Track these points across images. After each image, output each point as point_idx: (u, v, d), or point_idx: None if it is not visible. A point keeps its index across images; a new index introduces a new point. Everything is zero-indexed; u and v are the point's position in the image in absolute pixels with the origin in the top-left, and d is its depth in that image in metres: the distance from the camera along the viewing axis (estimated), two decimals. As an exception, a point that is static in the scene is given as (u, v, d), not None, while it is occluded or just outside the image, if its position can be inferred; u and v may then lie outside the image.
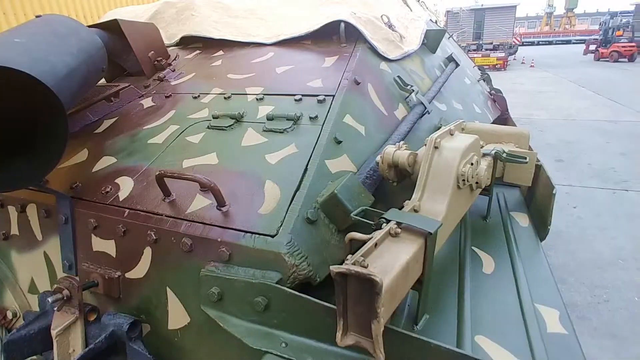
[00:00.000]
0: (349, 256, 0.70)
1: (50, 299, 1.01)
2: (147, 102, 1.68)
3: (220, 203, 1.00)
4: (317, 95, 1.38)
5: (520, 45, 28.06)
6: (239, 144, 1.26)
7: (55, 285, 1.04)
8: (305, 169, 1.08)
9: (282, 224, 0.93)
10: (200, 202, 1.05)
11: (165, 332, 1.06)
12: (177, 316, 1.03)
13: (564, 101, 11.45)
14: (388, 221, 0.84)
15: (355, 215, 0.92)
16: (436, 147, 0.96)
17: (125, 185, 1.18)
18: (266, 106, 1.42)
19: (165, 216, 1.03)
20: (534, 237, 1.32)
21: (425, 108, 1.66)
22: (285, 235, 0.90)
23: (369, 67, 1.66)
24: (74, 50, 1.42)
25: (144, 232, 1.03)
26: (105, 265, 1.12)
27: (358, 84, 1.48)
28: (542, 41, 38.14)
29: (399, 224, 0.82)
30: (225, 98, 1.54)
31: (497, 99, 2.85)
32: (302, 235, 0.92)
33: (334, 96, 1.37)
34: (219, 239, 0.93)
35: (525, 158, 1.28)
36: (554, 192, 1.30)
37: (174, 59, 2.06)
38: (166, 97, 1.66)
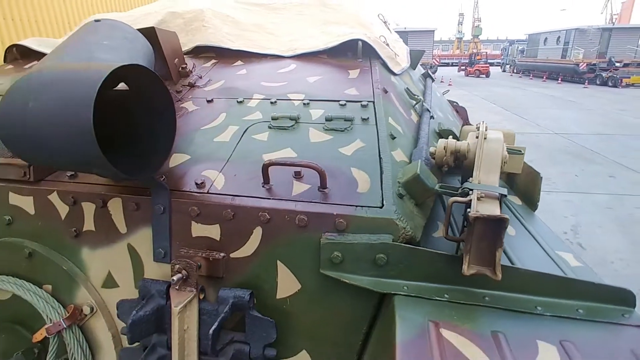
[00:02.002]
0: (470, 209, 0.97)
1: (174, 278, 1.10)
2: (189, 106, 1.77)
3: (324, 185, 1.20)
4: (361, 101, 1.64)
5: (439, 66, 31.54)
6: (308, 140, 1.46)
7: (177, 266, 1.13)
8: (380, 158, 1.33)
9: (383, 199, 1.17)
10: (300, 187, 1.24)
11: (273, 301, 1.21)
12: (287, 285, 1.19)
13: (480, 116, 13.15)
14: (467, 192, 1.13)
15: (437, 190, 1.20)
16: (485, 138, 1.30)
17: (216, 177, 1.30)
18: (316, 110, 1.64)
19: (279, 199, 1.19)
20: (530, 211, 1.73)
21: (431, 114, 2.02)
22: (390, 206, 1.14)
23: (386, 79, 1.97)
24: (141, 55, 1.51)
25: (255, 214, 1.18)
26: (207, 248, 1.23)
27: (386, 92, 1.78)
28: (454, 62, 43.26)
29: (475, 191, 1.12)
30: (271, 103, 1.71)
31: (459, 109, 3.38)
32: (399, 207, 1.16)
33: (373, 102, 1.65)
34: (335, 213, 1.13)
35: (521, 151, 1.69)
36: (540, 176, 1.73)
37: (192, 67, 2.15)
38: (208, 101, 1.78)
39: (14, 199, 1.39)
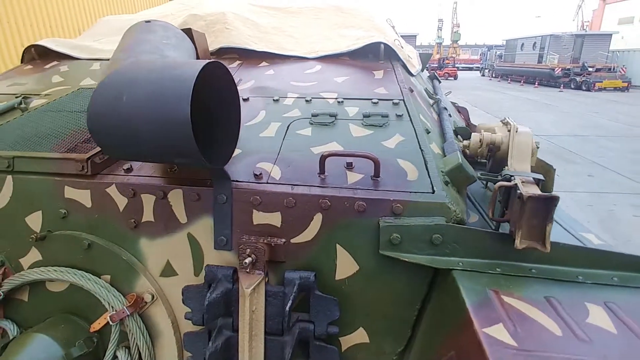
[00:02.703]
0: (520, 190, 1.09)
1: (246, 261, 1.18)
2: (227, 104, 1.85)
3: (377, 174, 1.30)
4: (392, 100, 1.76)
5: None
6: (351, 135, 1.56)
7: (248, 250, 1.21)
8: (421, 150, 1.45)
9: (432, 185, 1.28)
10: (354, 177, 1.34)
11: (332, 283, 1.30)
12: (345, 267, 1.29)
13: (466, 117, 13.61)
14: (509, 178, 1.26)
15: (479, 177, 1.32)
16: (516, 131, 1.44)
17: (272, 169, 1.39)
18: (351, 107, 1.75)
19: (338, 187, 1.29)
20: None
21: (448, 112, 2.16)
22: (440, 191, 1.26)
23: (408, 79, 2.10)
24: (192, 52, 1.59)
25: (316, 202, 1.27)
26: (268, 235, 1.31)
27: (412, 91, 1.91)
28: (434, 66, 44.49)
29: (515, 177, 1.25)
30: (306, 101, 1.81)
31: (460, 109, 3.56)
32: (448, 192, 1.28)
33: (403, 100, 1.77)
34: (391, 199, 1.24)
35: (538, 145, 1.85)
36: (554, 169, 1.89)
37: (219, 67, 2.22)
38: (244, 100, 1.86)
39: (70, 192, 1.43)
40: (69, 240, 1.42)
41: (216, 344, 1.23)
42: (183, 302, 1.33)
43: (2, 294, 1.42)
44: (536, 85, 25.31)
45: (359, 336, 1.33)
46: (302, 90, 1.90)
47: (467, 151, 1.56)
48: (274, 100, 1.83)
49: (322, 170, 1.34)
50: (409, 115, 1.65)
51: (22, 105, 1.81)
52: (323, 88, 1.93)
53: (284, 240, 1.30)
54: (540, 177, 1.24)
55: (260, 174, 1.36)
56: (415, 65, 2.51)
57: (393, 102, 1.74)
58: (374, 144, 1.50)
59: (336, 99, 1.81)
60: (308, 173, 1.36)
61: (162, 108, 0.96)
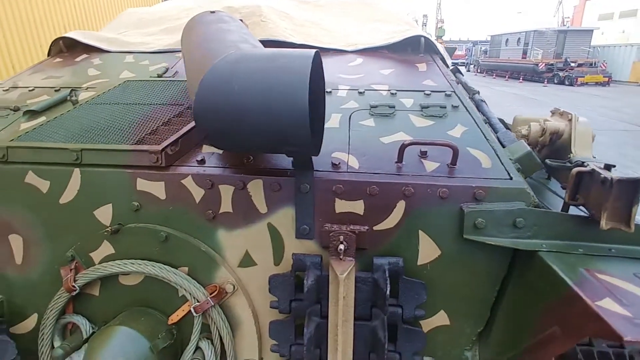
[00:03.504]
0: (604, 174, 1.16)
1: (341, 247, 1.21)
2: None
3: (454, 162, 1.35)
4: (443, 91, 1.81)
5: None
6: (413, 125, 1.60)
7: (341, 237, 1.24)
8: (487, 139, 1.50)
9: (508, 172, 1.33)
10: (431, 165, 1.38)
11: (414, 268, 1.34)
12: (427, 252, 1.33)
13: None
14: (581, 164, 1.32)
15: (549, 163, 1.38)
16: (576, 120, 1.50)
17: (347, 158, 1.42)
18: (406, 99, 1.79)
19: (420, 175, 1.33)
20: None
21: (486, 103, 2.22)
22: (517, 177, 1.31)
23: (448, 72, 2.15)
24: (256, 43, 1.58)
25: (399, 189, 1.31)
26: (350, 223, 1.34)
27: (458, 83, 1.96)
28: (422, 62, 44.86)
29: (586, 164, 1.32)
30: (359, 93, 1.84)
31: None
32: (522, 178, 1.34)
33: (454, 92, 1.82)
34: (473, 185, 1.28)
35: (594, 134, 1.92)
36: None
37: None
38: None
39: (143, 184, 1.42)
40: (145, 232, 1.42)
41: (310, 329, 1.25)
42: (269, 291, 1.35)
43: (77, 288, 1.41)
44: (521, 81, 25.88)
45: (440, 319, 1.38)
46: (351, 83, 1.93)
47: (526, 140, 1.62)
48: (327, 92, 1.85)
49: (400, 158, 1.37)
50: (465, 106, 1.70)
51: (74, 98, 1.78)
52: (372, 80, 1.96)
53: (366, 227, 1.33)
54: (613, 164, 1.31)
55: (339, 163, 1.39)
56: (448, 58, 2.57)
57: (445, 94, 1.79)
58: (440, 134, 1.54)
59: (389, 90, 1.84)
60: (385, 162, 1.39)
61: (278, 97, 0.97)
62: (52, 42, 2.51)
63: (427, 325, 1.38)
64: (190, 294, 1.37)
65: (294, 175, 1.34)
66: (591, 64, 23.37)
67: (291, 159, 1.43)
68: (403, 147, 1.34)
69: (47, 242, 1.51)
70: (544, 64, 24.27)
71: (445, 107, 1.68)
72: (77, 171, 1.44)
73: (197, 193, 1.40)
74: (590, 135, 1.47)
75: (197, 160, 1.44)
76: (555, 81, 23.66)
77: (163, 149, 1.39)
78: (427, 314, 1.36)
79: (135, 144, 1.45)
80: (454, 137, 1.52)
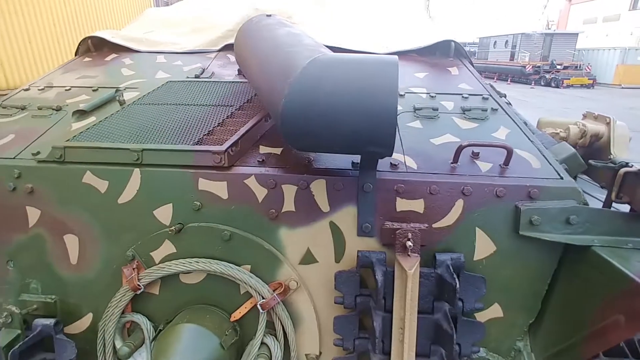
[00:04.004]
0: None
1: (409, 244, 1.27)
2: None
3: (507, 162, 1.42)
4: (480, 95, 1.89)
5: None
6: (459, 127, 1.67)
7: (409, 234, 1.29)
8: (531, 141, 1.58)
9: (558, 172, 1.41)
10: (485, 165, 1.45)
11: (470, 263, 1.41)
12: (483, 248, 1.40)
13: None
14: (624, 164, 1.41)
15: (593, 164, 1.47)
16: (614, 123, 1.60)
17: (404, 159, 1.47)
18: (446, 102, 1.85)
19: (478, 175, 1.39)
20: None
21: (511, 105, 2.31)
22: (567, 177, 1.39)
23: (479, 75, 2.23)
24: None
25: (459, 189, 1.37)
26: (410, 221, 1.40)
27: (491, 86, 2.04)
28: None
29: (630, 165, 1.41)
30: (400, 95, 1.90)
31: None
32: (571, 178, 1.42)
33: (490, 95, 1.90)
34: (527, 184, 1.36)
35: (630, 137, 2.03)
36: None
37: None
38: None
39: (205, 184, 1.45)
40: (208, 231, 1.45)
41: (378, 323, 1.31)
42: (335, 287, 1.39)
43: (142, 286, 1.43)
44: (509, 82, 26.41)
45: (494, 311, 1.45)
46: None
47: (565, 141, 1.71)
48: None
49: (456, 159, 1.44)
50: (504, 109, 1.78)
51: (121, 98, 1.79)
52: (409, 83, 2.02)
53: (426, 225, 1.39)
54: None
55: (398, 164, 1.45)
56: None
57: (482, 97, 1.86)
58: (485, 136, 1.61)
59: (428, 93, 1.91)
60: (440, 162, 1.46)
61: (368, 100, 1.02)
62: (80, 42, 2.50)
63: (481, 317, 1.45)
64: (255, 291, 1.41)
65: (357, 175, 1.39)
66: (576, 67, 24.03)
67: (350, 160, 1.48)
68: (460, 149, 1.41)
69: (103, 241, 1.52)
70: (531, 66, 24.83)
71: (486, 110, 1.75)
72: (137, 171, 1.46)
73: (260, 192, 1.43)
74: (627, 138, 1.57)
75: (258, 161, 1.48)
76: (542, 83, 24.24)
77: (226, 150, 1.42)
78: (483, 307, 1.43)
79: (195, 144, 1.48)
80: (500, 139, 1.59)
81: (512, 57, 27.49)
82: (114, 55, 2.45)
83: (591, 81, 22.91)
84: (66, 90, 2.05)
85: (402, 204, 1.40)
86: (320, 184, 1.41)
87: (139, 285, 1.42)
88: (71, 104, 1.91)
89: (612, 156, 1.52)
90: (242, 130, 1.52)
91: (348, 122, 1.05)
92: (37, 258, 1.57)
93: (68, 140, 1.53)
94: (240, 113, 1.68)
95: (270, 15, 1.64)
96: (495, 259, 1.40)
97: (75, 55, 2.53)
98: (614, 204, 1.41)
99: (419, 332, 1.35)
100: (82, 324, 1.60)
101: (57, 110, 1.85)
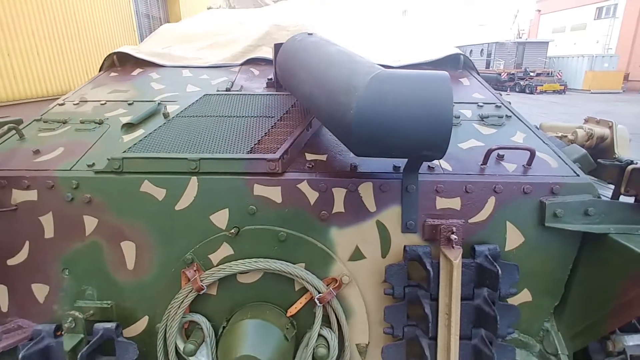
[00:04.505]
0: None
1: (454, 237, 1.42)
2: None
3: (530, 163, 1.61)
4: (493, 103, 2.09)
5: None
6: (481, 133, 1.85)
7: (454, 228, 1.45)
8: (546, 143, 1.78)
9: (574, 170, 1.61)
10: (510, 166, 1.63)
11: (502, 253, 1.57)
12: (513, 239, 1.57)
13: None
14: (630, 162, 1.62)
15: (602, 163, 1.68)
16: (616, 127, 1.82)
17: (440, 162, 1.64)
18: (464, 110, 2.04)
19: (508, 174, 1.57)
20: None
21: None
22: (583, 174, 1.59)
23: (488, 85, 2.45)
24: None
25: (491, 187, 1.54)
26: (449, 217, 1.56)
27: (501, 95, 2.25)
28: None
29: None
30: None
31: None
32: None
33: (502, 104, 2.10)
34: (550, 182, 1.54)
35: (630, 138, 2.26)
36: None
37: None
38: None
39: (260, 190, 1.56)
40: (264, 233, 1.56)
41: (428, 310, 1.45)
42: (386, 280, 1.53)
43: (205, 287, 1.52)
44: (486, 89, 27.45)
45: (524, 296, 1.62)
46: None
47: (574, 143, 1.92)
48: None
49: (485, 161, 1.61)
50: (517, 116, 1.98)
51: (165, 111, 1.89)
52: None
53: (463, 220, 1.55)
54: None
55: (434, 167, 1.61)
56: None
57: (496, 105, 2.06)
58: (505, 140, 1.80)
59: None
60: (471, 164, 1.63)
61: (427, 111, 1.18)
62: (105, 57, 2.57)
63: (513, 302, 1.61)
64: (312, 286, 1.53)
65: (401, 177, 1.54)
66: (548, 74, 25.28)
67: (391, 164, 1.63)
68: (490, 152, 1.58)
69: (160, 247, 1.61)
70: (506, 74, 25.95)
71: (502, 117, 1.95)
72: (194, 179, 1.57)
73: (312, 196, 1.56)
74: (628, 139, 1.79)
75: (307, 167, 1.61)
76: (517, 90, 25.33)
77: (280, 157, 1.55)
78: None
79: (247, 153, 1.60)
80: (519, 143, 1.78)
81: (487, 65, 28.62)
82: (139, 70, 2.54)
83: (562, 87, 24.13)
84: (101, 104, 2.12)
85: (441, 202, 1.56)
86: (367, 187, 1.56)
87: (202, 285, 1.51)
88: (111, 118, 1.99)
89: (616, 155, 1.73)
90: (291, 139, 1.65)
91: (409, 130, 1.20)
92: (94, 265, 1.63)
93: (124, 151, 1.62)
94: (282, 124, 1.81)
95: (311, 34, 1.79)
96: (524, 249, 1.58)
97: (100, 70, 2.60)
98: (621, 197, 1.61)
99: (462, 317, 1.49)
100: (137, 327, 1.67)
101: (99, 124, 1.93)
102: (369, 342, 1.64)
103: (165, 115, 1.89)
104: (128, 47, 2.62)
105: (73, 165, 1.65)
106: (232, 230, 1.54)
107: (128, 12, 10.82)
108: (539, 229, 1.55)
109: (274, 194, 1.57)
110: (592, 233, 1.51)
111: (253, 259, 1.55)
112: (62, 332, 1.61)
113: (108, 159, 1.59)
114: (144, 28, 12.18)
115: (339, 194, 1.56)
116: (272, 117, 1.87)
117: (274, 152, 1.58)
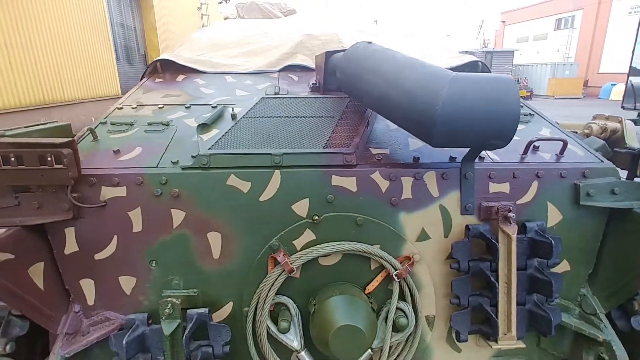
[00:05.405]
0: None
1: (511, 215, 1.66)
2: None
3: (562, 152, 1.89)
4: None
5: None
6: None
7: (510, 207, 1.69)
8: (569, 136, 2.07)
9: (598, 158, 1.90)
10: (546, 156, 1.90)
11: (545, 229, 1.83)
12: (553, 217, 1.83)
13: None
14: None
15: (619, 150, 1.99)
16: (624, 121, 2.15)
17: (488, 153, 1.89)
18: None
19: (548, 162, 1.83)
20: None
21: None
22: (606, 161, 1.88)
23: None
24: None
25: (533, 173, 1.80)
26: (500, 200, 1.81)
27: None
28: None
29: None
30: None
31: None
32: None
33: (523, 104, 2.40)
34: (581, 167, 1.82)
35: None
36: None
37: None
38: None
39: (337, 180, 1.75)
40: (343, 219, 1.75)
41: (492, 280, 1.68)
42: (452, 255, 1.74)
43: (295, 269, 1.68)
44: (459, 95, 28.72)
45: (564, 266, 1.88)
46: None
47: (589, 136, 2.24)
48: None
49: (526, 151, 1.88)
50: (539, 114, 2.28)
51: (233, 113, 2.04)
52: None
53: (512, 202, 1.80)
54: None
55: (484, 157, 1.86)
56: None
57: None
58: (534, 134, 2.08)
59: None
60: (513, 154, 1.89)
61: (499, 106, 1.42)
62: (149, 64, 2.68)
63: (555, 271, 1.87)
64: (390, 264, 1.72)
65: (459, 166, 1.78)
66: (516, 81, 26.80)
67: (448, 154, 1.86)
68: (530, 143, 1.85)
69: (245, 236, 1.75)
70: (477, 81, 27.26)
71: (527, 115, 2.24)
72: (277, 172, 1.73)
73: (383, 184, 1.76)
74: (635, 132, 2.12)
75: (376, 159, 1.81)
76: (488, 95, 26.63)
77: (355, 151, 1.75)
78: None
79: (323, 147, 1.78)
80: (547, 136, 2.07)
81: (459, 73, 29.96)
82: (182, 76, 2.66)
83: (529, 93, 25.67)
84: (159, 108, 2.24)
85: (493, 187, 1.81)
86: (431, 175, 1.78)
87: (293, 267, 1.67)
88: (175, 120, 2.11)
89: (627, 145, 2.05)
90: (359, 135, 1.85)
91: (484, 123, 1.44)
92: (180, 256, 1.75)
93: (209, 148, 1.76)
94: (343, 122, 2.01)
95: (370, 42, 2.00)
96: (562, 225, 1.84)
97: (142, 77, 2.70)
98: (635, 179, 1.92)
99: (517, 285, 1.73)
100: (223, 313, 1.80)
101: (166, 125, 2.05)
102: (435, 314, 1.85)
103: (233, 117, 2.04)
104: (169, 55, 2.74)
105: (158, 163, 1.77)
106: (315, 217, 1.71)
107: (103, 22, 10.59)
108: (574, 207, 1.82)
109: (350, 183, 1.76)
110: (617, 209, 1.79)
111: (336, 242, 1.73)
112: (152, 321, 1.72)
113: (193, 156, 1.73)
114: (118, 37, 11.98)
115: (407, 182, 1.77)
116: (333, 116, 2.06)
117: (348, 147, 1.77)
